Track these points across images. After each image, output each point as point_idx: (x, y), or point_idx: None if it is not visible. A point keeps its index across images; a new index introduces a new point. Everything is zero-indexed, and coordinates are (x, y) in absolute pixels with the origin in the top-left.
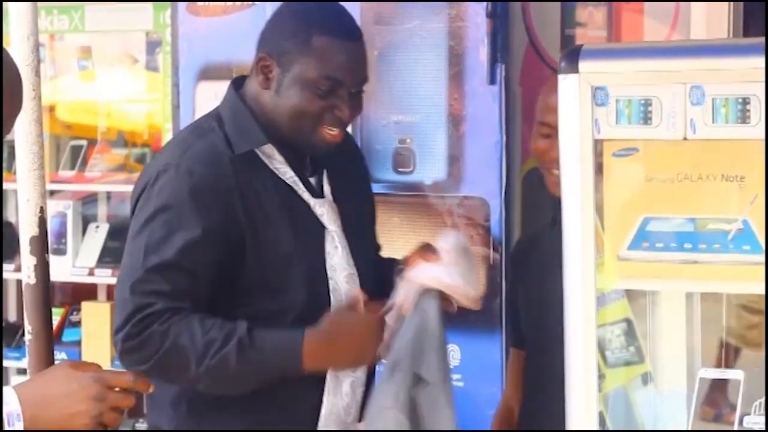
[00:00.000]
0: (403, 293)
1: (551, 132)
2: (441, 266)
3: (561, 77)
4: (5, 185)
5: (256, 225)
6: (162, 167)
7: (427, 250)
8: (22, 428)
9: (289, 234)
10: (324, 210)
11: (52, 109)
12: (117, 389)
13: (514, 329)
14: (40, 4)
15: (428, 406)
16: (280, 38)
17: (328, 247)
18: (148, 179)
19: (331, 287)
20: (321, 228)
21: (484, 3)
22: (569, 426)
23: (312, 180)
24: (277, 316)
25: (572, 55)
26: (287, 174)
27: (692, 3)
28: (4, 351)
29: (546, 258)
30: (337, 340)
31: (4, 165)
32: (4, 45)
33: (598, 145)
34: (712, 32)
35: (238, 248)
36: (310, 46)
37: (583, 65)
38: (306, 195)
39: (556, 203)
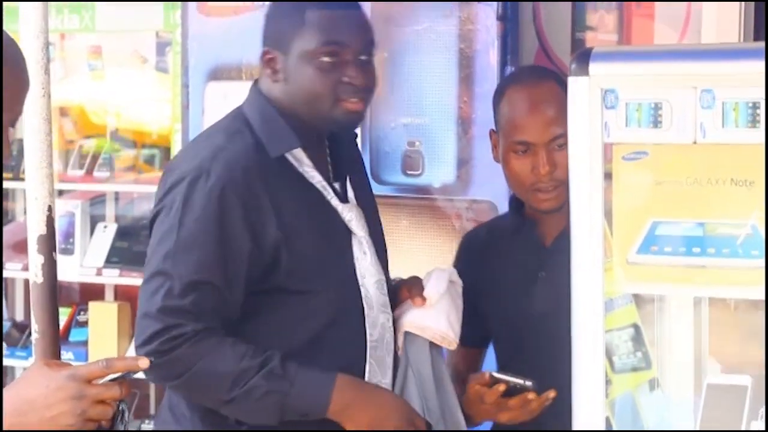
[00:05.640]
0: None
1: (527, 148)
2: (427, 312)
3: (571, 80)
4: (14, 185)
5: (290, 233)
6: (192, 172)
7: (415, 291)
8: None
9: (320, 240)
10: (352, 216)
11: (61, 109)
12: (98, 381)
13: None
14: (50, 3)
15: None
16: (275, 26)
17: (357, 253)
18: (174, 181)
19: (363, 294)
20: (349, 233)
21: (495, 5)
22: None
23: (336, 185)
24: (308, 323)
25: (583, 57)
26: (315, 178)
27: (703, 6)
28: (12, 351)
29: (503, 255)
30: (370, 397)
31: (13, 165)
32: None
33: (607, 149)
34: (722, 37)
35: (272, 259)
36: (304, 20)
37: (594, 67)
38: (334, 200)
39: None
